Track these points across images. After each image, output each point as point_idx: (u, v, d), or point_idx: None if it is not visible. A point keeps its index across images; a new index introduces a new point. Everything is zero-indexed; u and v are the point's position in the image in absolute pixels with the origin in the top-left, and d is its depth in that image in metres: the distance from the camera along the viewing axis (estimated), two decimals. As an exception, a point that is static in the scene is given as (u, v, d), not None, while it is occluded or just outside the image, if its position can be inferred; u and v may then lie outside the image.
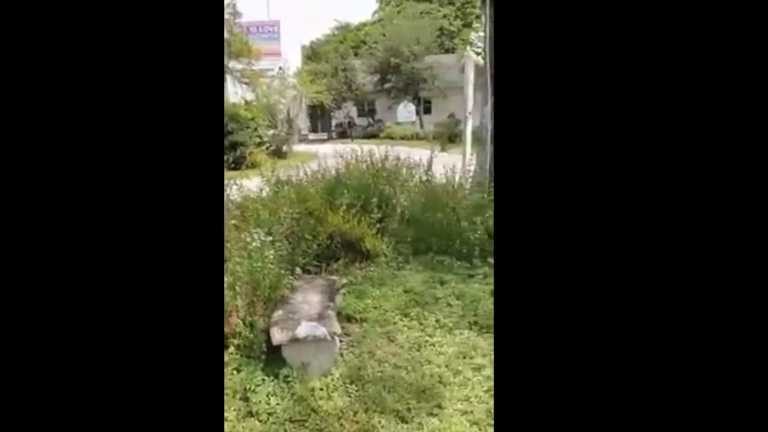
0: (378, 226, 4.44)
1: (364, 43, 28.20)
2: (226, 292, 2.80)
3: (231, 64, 16.16)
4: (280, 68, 20.35)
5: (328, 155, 5.80)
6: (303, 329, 2.66)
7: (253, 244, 3.12)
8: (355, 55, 27.66)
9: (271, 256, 3.14)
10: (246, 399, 2.43)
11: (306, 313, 2.90)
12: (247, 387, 2.48)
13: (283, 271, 3.25)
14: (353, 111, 25.58)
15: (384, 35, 24.86)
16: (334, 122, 25.73)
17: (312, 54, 28.68)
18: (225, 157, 12.20)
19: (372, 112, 25.96)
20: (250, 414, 2.35)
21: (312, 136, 25.00)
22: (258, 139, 14.01)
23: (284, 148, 15.83)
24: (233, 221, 3.65)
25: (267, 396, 2.44)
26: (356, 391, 2.53)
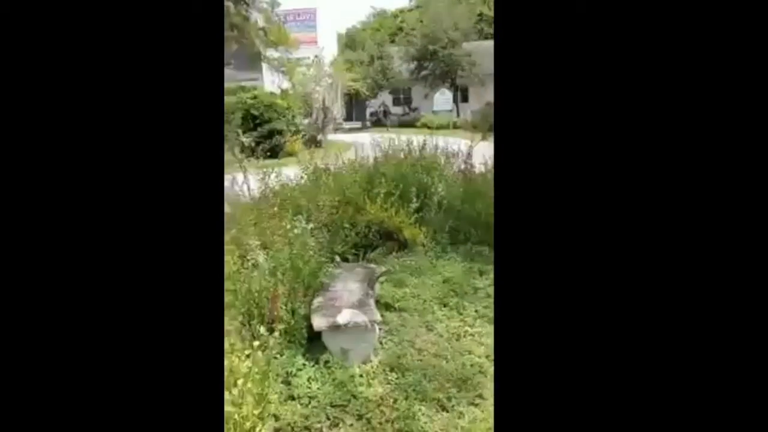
0: (416, 215, 4.42)
1: (401, 30, 27.94)
2: (268, 278, 2.85)
3: (268, 52, 16.34)
4: (316, 56, 20.42)
5: (365, 144, 5.79)
6: (344, 316, 2.68)
7: (294, 231, 3.16)
8: (392, 42, 27.45)
9: (312, 244, 3.18)
10: (288, 383, 2.48)
11: (346, 300, 2.93)
12: (289, 371, 2.53)
13: (323, 259, 3.28)
14: (388, 99, 25.46)
15: (421, 22, 24.53)
16: (368, 111, 25.69)
17: (348, 42, 28.69)
18: (262, 146, 12.38)
19: (408, 100, 25.75)
20: (292, 397, 2.39)
21: (347, 125, 25.07)
22: (294, 128, 14.12)
23: (319, 136, 15.92)
24: (273, 209, 3.70)
25: (308, 380, 2.48)
26: (396, 378, 2.54)
